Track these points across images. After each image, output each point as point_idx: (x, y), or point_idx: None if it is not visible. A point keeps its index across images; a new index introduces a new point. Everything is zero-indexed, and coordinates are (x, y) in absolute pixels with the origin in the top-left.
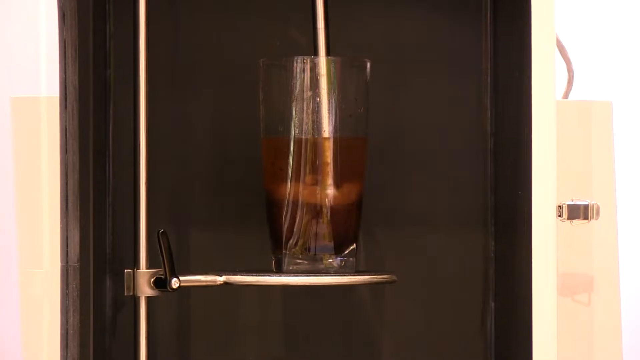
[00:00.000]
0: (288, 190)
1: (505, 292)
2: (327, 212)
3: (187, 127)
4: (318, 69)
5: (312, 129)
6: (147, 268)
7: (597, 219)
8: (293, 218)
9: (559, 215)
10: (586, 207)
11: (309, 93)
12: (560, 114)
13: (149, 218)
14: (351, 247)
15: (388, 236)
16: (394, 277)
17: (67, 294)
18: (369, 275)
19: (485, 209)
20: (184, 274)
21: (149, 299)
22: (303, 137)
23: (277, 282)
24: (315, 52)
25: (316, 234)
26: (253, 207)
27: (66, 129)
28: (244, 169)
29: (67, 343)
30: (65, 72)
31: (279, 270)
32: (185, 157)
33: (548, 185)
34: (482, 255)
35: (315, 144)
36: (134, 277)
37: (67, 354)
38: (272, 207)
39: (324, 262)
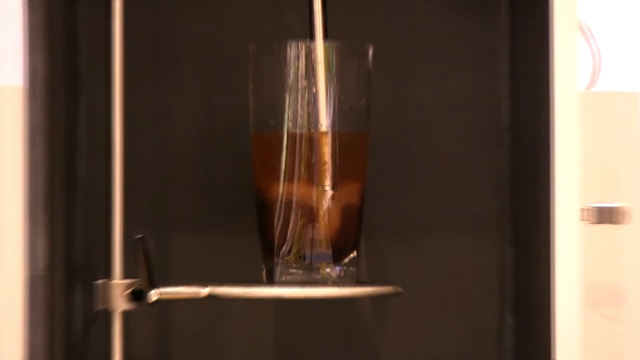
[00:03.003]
0: (281, 191)
1: (524, 305)
2: (325, 216)
3: (168, 120)
4: (314, 55)
5: (308, 122)
6: (122, 279)
7: (627, 223)
8: (286, 222)
9: (584, 220)
10: (614, 210)
11: (304, 82)
12: (584, 106)
13: (125, 222)
14: (351, 255)
15: (392, 243)
16: (399, 289)
17: (33, 307)
18: (371, 286)
19: (501, 212)
20: (164, 285)
21: (124, 313)
22: (297, 131)
23: (268, 294)
24: (311, 37)
25: (312, 240)
26: (242, 210)
27: (33, 123)
28: (231, 168)
29: None
30: (31, 60)
31: (271, 281)
32: (167, 154)
33: (571, 186)
34: (497, 265)
35: (311, 140)
36: (107, 289)
37: None
38: (263, 210)
39: (321, 271)
